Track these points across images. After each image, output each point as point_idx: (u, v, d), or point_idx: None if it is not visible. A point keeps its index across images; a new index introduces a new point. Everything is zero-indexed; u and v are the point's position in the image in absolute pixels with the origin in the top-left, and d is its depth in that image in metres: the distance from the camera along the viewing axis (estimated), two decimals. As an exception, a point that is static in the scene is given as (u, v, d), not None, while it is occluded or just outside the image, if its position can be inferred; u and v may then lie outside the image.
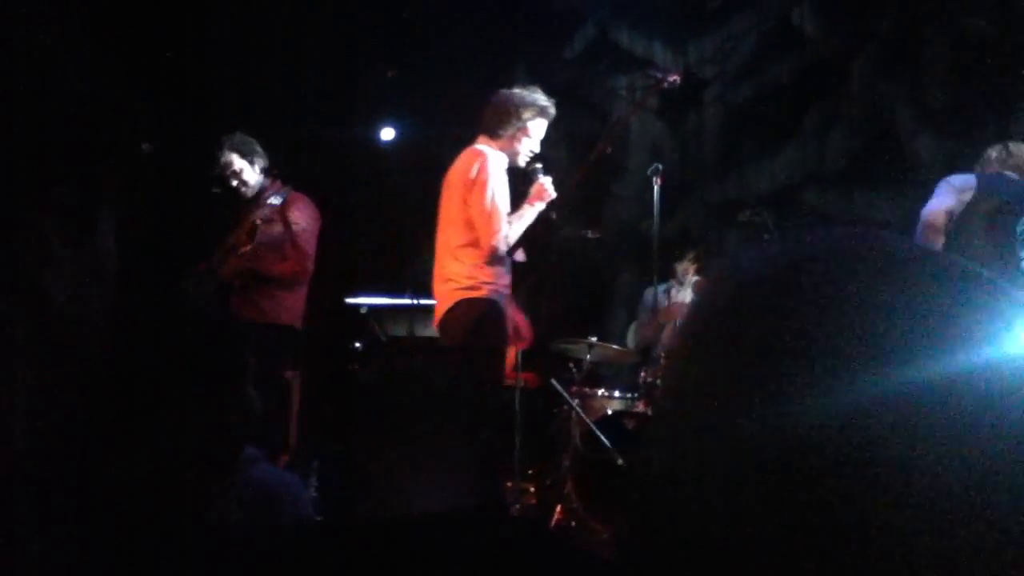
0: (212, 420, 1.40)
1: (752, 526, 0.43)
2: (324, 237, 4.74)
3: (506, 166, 3.95)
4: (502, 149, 3.94)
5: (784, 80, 6.38)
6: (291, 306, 4.40)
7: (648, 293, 5.53)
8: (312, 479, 4.84)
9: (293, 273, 4.35)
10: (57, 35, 0.64)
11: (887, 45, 6.08)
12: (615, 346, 5.10)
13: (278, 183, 4.46)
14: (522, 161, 3.97)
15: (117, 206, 0.66)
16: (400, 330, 4.82)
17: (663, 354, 4.79)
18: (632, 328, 5.57)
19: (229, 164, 4.36)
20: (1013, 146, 4.15)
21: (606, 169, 6.28)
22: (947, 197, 3.94)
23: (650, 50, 6.68)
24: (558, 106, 4.19)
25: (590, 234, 5.14)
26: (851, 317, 0.45)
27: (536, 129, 3.99)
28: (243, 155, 4.36)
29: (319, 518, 4.34)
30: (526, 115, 3.94)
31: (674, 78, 4.30)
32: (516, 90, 4.05)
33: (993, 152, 4.13)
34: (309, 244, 4.40)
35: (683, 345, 0.51)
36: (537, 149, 4.01)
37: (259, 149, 4.45)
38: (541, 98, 4.01)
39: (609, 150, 4.41)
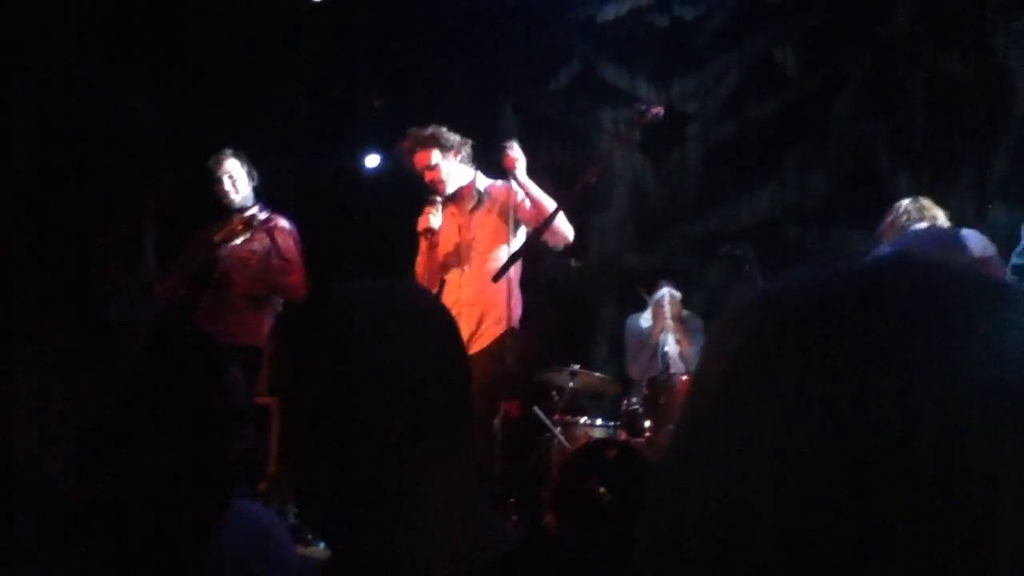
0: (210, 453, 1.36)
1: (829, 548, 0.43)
2: (308, 263, 4.75)
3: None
4: None
5: (765, 118, 6.47)
6: (256, 326, 4.38)
7: (632, 323, 5.54)
8: (291, 507, 4.79)
9: (291, 284, 4.36)
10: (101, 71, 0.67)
11: (865, 85, 6.19)
12: (598, 374, 5.11)
13: (261, 203, 4.53)
14: (442, 191, 4.21)
15: (155, 224, 0.69)
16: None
17: (645, 383, 4.80)
18: (628, 362, 5.57)
19: (231, 169, 4.43)
20: (924, 201, 4.21)
21: (589, 201, 6.32)
22: None
23: (634, 85, 6.77)
24: (544, 137, 4.15)
25: (573, 263, 5.17)
26: (924, 335, 0.45)
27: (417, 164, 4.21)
28: (244, 165, 4.51)
29: (299, 549, 4.29)
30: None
31: (658, 111, 4.35)
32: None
33: (912, 207, 4.16)
34: (298, 265, 4.44)
35: (724, 371, 0.50)
36: (440, 178, 4.18)
37: (252, 170, 4.59)
38: (418, 133, 4.23)
39: (594, 181, 4.45)
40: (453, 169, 4.11)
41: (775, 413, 0.46)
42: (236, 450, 1.48)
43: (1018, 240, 4.01)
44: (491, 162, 7.06)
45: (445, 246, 4.16)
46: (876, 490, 0.42)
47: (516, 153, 4.07)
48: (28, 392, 0.62)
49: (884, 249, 3.94)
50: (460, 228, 4.15)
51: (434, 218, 4.14)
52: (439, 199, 4.19)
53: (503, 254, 4.03)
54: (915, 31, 5.99)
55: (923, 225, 4.06)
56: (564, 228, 4.06)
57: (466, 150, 4.17)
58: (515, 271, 4.14)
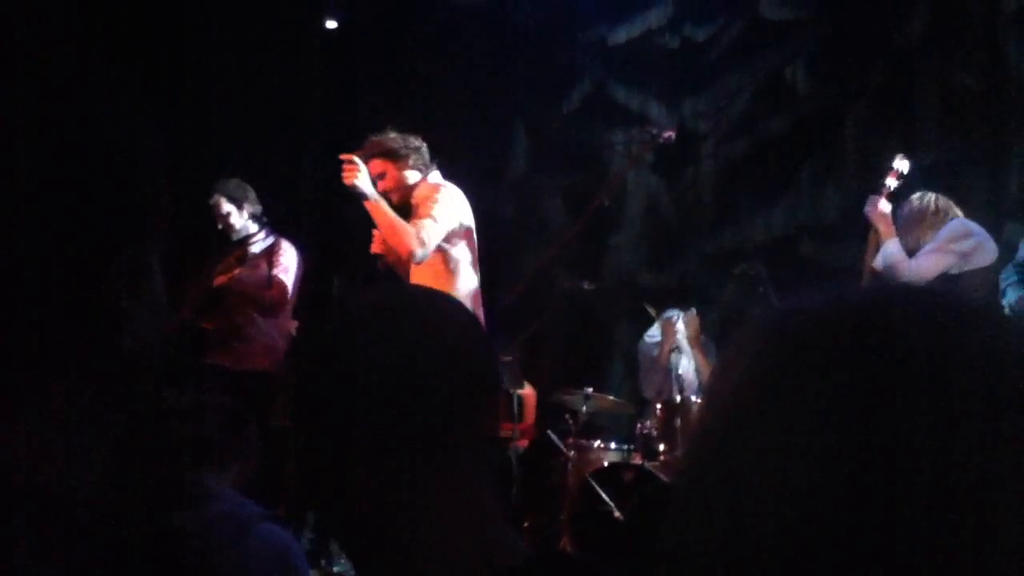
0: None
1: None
2: (329, 285, 4.81)
3: None
4: None
5: (778, 135, 6.47)
6: (267, 351, 4.43)
7: (644, 343, 5.53)
8: (306, 532, 4.81)
9: (271, 300, 4.40)
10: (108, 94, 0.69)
11: (878, 101, 6.17)
12: (612, 397, 5.10)
13: (266, 230, 4.60)
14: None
15: (160, 248, 0.71)
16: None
17: (660, 406, 4.79)
18: (640, 381, 5.56)
19: (217, 206, 4.59)
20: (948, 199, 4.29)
21: (603, 221, 6.34)
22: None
23: (646, 106, 6.79)
24: (556, 160, 4.02)
25: (587, 285, 5.18)
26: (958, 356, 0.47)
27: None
28: (231, 200, 4.58)
29: (314, 574, 4.30)
30: None
31: (670, 134, 4.37)
32: None
33: (940, 201, 4.22)
34: (288, 281, 4.50)
35: (732, 393, 0.51)
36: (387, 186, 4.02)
37: (251, 196, 4.65)
38: None
39: (607, 203, 4.46)
40: (403, 178, 4.04)
41: (781, 437, 0.47)
42: (161, 474, 1.51)
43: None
44: (499, 181, 7.12)
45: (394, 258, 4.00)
46: (882, 510, 0.44)
47: (355, 163, 3.84)
48: (42, 420, 0.63)
49: (931, 250, 4.03)
50: None
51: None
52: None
53: (432, 259, 3.87)
54: (927, 44, 5.97)
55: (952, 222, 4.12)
56: (400, 244, 3.81)
57: (417, 157, 4.03)
58: (470, 291, 4.00)
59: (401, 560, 0.94)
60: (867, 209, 4.28)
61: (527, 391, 5.24)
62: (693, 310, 5.31)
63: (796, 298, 0.54)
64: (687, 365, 5.19)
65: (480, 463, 0.97)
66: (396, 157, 4.00)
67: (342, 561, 4.26)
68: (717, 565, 0.48)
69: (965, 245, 4.00)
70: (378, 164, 4.01)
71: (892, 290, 0.52)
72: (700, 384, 5.17)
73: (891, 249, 4.12)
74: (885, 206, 4.22)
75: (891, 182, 4.27)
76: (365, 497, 0.93)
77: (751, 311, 5.79)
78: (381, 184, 3.98)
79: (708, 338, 5.51)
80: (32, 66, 0.62)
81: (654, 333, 5.34)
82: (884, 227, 4.20)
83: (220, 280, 4.43)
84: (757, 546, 0.46)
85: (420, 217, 3.84)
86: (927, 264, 3.99)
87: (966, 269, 3.96)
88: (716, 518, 0.49)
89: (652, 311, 5.36)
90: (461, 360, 0.95)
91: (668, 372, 5.05)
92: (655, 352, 5.33)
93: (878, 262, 4.15)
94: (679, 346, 5.22)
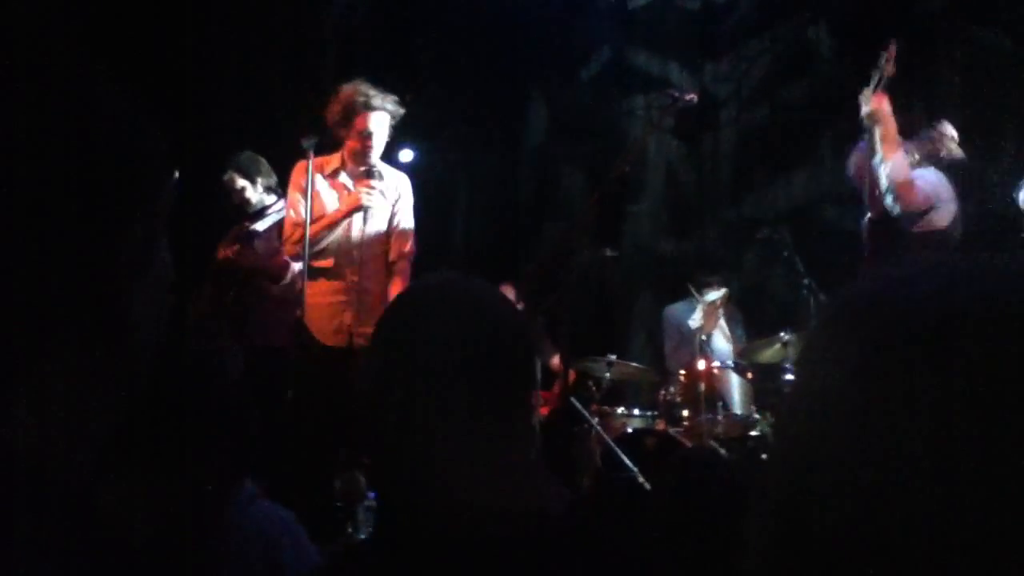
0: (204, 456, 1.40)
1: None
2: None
3: (336, 169, 3.96)
4: (345, 151, 3.90)
5: (799, 99, 6.40)
6: (282, 326, 4.37)
7: (673, 314, 5.47)
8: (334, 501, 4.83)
9: (275, 269, 4.32)
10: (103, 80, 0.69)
11: (901, 64, 6.08)
12: (634, 364, 5.09)
13: (282, 201, 4.54)
14: (371, 161, 3.85)
15: (165, 228, 0.72)
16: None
17: (683, 372, 4.77)
18: (668, 353, 5.52)
19: (231, 181, 4.57)
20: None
21: (623, 188, 6.30)
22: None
23: (665, 71, 6.72)
24: (575, 128, 4.03)
25: (608, 252, 5.14)
26: None
27: (369, 125, 3.78)
28: (245, 174, 4.56)
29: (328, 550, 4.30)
30: (352, 111, 3.78)
31: (691, 97, 4.30)
32: (349, 85, 3.85)
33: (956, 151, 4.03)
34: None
35: (852, 377, 0.47)
36: (378, 148, 3.82)
37: (264, 168, 4.60)
38: (370, 90, 3.77)
39: (627, 169, 4.42)
40: (384, 141, 3.84)
41: (883, 436, 0.44)
42: (223, 458, 1.50)
43: None
44: (517, 150, 7.08)
45: (361, 224, 3.91)
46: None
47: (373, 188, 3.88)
48: (51, 395, 0.63)
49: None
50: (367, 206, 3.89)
51: (368, 197, 3.82)
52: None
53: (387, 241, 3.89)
54: (951, 5, 5.88)
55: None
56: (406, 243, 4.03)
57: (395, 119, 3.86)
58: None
59: (451, 504, 1.04)
60: (873, 107, 3.79)
61: (554, 360, 5.24)
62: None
63: (889, 271, 0.49)
64: (718, 336, 5.16)
65: (523, 423, 1.10)
66: (395, 117, 3.85)
67: (370, 529, 4.28)
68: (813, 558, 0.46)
69: (950, 202, 3.74)
70: (368, 119, 3.78)
71: (1006, 272, 0.47)
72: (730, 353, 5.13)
73: (902, 163, 3.70)
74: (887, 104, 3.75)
75: (886, 70, 3.86)
76: (425, 448, 1.05)
77: (775, 277, 5.75)
78: (364, 142, 3.79)
79: (733, 306, 5.48)
80: (34, 48, 0.62)
81: (696, 318, 5.26)
82: (891, 128, 3.73)
83: (225, 255, 4.41)
84: (854, 540, 0.45)
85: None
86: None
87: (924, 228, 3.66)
88: (812, 511, 0.47)
89: (696, 293, 5.29)
90: (508, 335, 1.11)
91: (699, 345, 5.01)
92: (689, 330, 5.27)
93: (883, 173, 3.69)
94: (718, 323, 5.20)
